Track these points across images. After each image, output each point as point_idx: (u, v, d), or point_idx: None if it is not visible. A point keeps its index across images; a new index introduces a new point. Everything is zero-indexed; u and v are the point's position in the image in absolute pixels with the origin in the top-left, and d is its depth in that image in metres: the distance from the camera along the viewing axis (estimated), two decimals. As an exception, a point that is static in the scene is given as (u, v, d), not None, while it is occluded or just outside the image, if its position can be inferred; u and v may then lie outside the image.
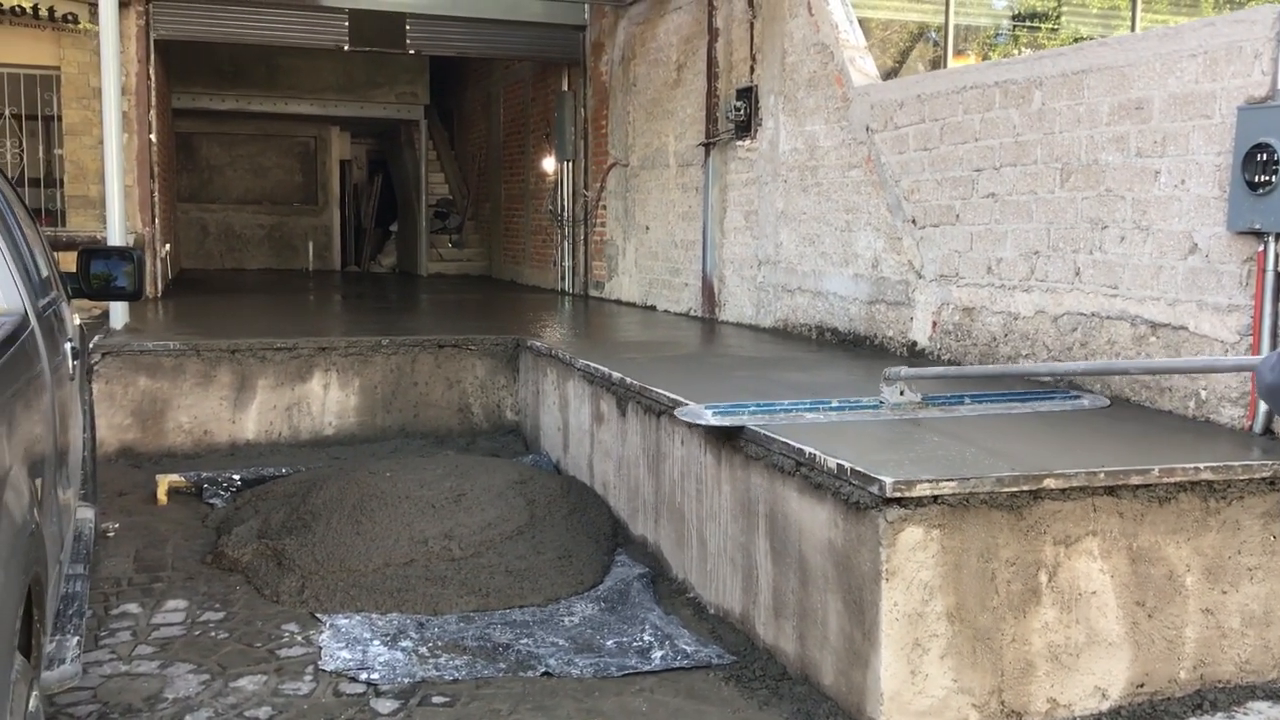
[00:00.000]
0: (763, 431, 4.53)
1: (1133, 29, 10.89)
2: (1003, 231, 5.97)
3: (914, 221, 6.71)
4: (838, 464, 3.95)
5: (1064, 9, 13.39)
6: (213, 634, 4.73)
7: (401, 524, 5.60)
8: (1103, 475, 3.89)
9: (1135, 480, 3.92)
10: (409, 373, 8.16)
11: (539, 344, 7.82)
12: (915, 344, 6.73)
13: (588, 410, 6.73)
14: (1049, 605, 3.87)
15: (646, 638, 4.67)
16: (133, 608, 5.02)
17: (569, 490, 6.35)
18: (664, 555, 5.55)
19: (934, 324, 6.55)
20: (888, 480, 3.68)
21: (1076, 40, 10.85)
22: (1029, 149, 5.77)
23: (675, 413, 5.20)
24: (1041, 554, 3.86)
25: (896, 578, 3.72)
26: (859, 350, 7.23)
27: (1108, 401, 5.27)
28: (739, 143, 8.83)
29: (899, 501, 3.71)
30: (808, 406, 5.05)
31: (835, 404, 5.09)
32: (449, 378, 8.25)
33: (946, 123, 6.40)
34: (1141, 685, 3.98)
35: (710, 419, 4.91)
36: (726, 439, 4.79)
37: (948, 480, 3.75)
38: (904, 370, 5.16)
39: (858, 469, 3.84)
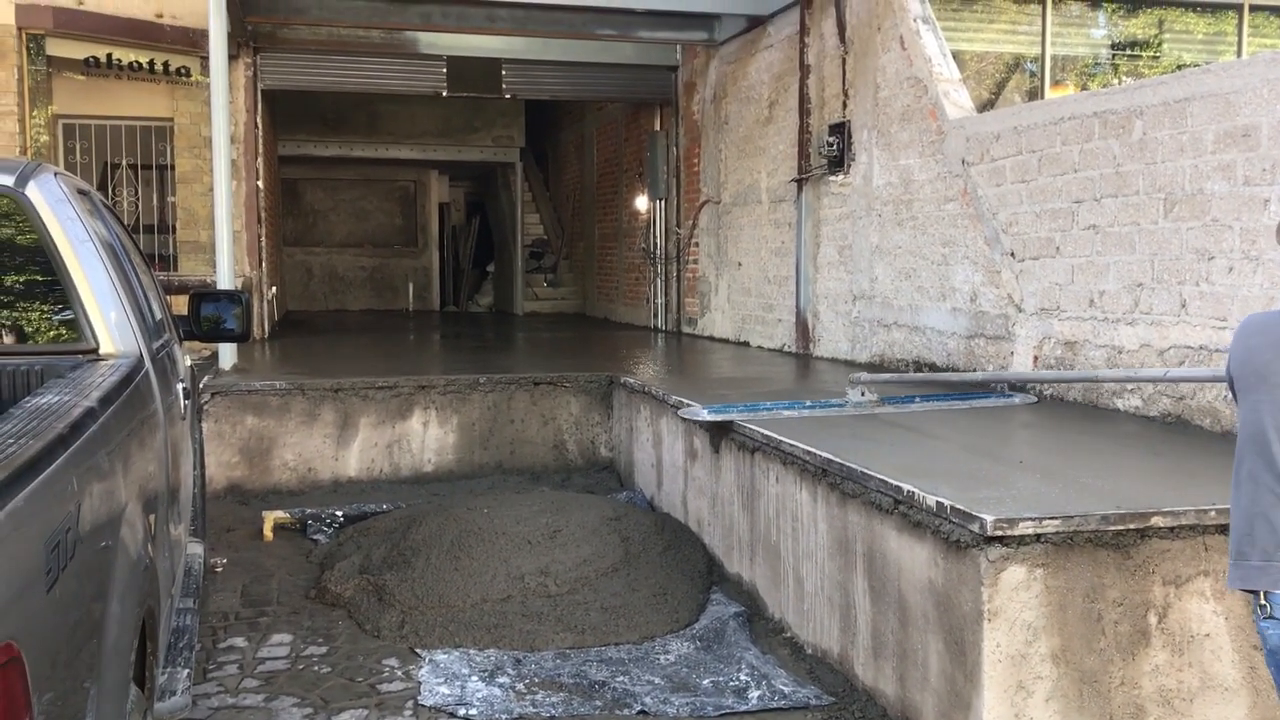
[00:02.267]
0: (745, 424, 5.64)
1: (1239, 54, 10.61)
2: (1105, 264, 5.84)
3: (1013, 254, 6.61)
4: (937, 501, 3.89)
5: (1166, 35, 13.10)
6: (316, 668, 4.82)
7: (498, 560, 5.65)
8: (1213, 513, 3.76)
9: (1250, 519, 3.77)
10: (505, 410, 8.27)
11: (632, 381, 7.86)
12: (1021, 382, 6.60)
13: (681, 447, 6.73)
14: (1159, 648, 3.74)
15: (743, 677, 4.64)
16: (239, 641, 5.15)
17: (663, 527, 6.35)
18: (759, 594, 5.51)
19: (1035, 358, 6.43)
20: (989, 519, 3.61)
21: (1179, 68, 10.61)
22: (1130, 179, 5.65)
23: (678, 413, 6.34)
24: (1150, 594, 3.74)
25: (999, 618, 3.64)
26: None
27: (1035, 399, 6.34)
28: (832, 178, 8.81)
29: (1000, 540, 3.64)
30: (786, 406, 6.06)
31: (808, 404, 6.18)
32: (544, 415, 8.34)
33: (1044, 154, 6.30)
34: (1261, 733, 3.81)
35: (706, 415, 6.03)
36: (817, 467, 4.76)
37: (1051, 519, 3.66)
38: (864, 375, 6.39)
39: (958, 507, 3.77)
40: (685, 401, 6.16)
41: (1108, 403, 5.86)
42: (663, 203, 13.00)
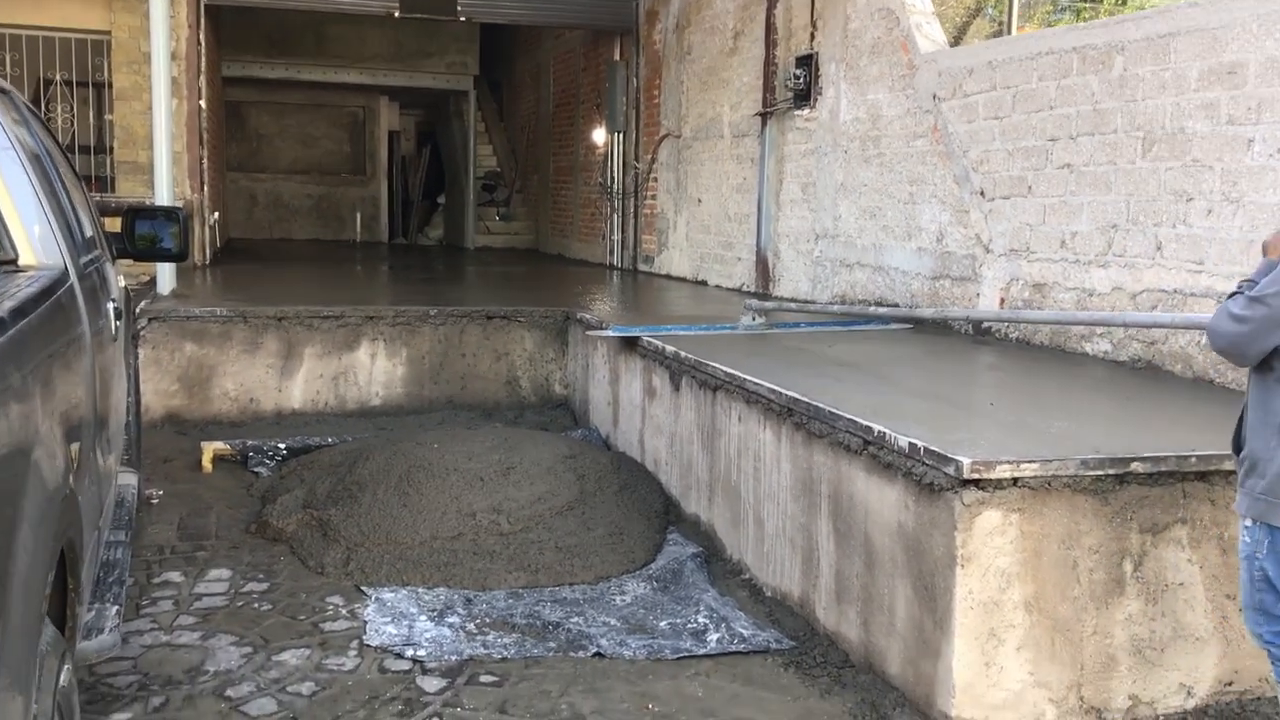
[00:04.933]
0: (647, 338, 6.33)
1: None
2: (1078, 204, 5.70)
3: (982, 193, 6.45)
4: (909, 443, 3.74)
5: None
6: (256, 605, 4.62)
7: (449, 497, 5.45)
8: (1194, 460, 3.65)
9: (1230, 465, 3.66)
10: (457, 344, 8.02)
11: (589, 317, 7.65)
12: (981, 321, 6.48)
13: (639, 385, 6.55)
14: (1133, 596, 3.64)
15: (701, 619, 4.50)
16: (175, 576, 4.92)
17: (619, 466, 6.18)
18: (718, 535, 5.37)
19: (1002, 300, 6.30)
20: (965, 460, 3.47)
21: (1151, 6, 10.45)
22: (1108, 117, 5.49)
23: (588, 333, 7.28)
24: (1127, 542, 3.64)
25: (972, 564, 3.51)
26: (921, 327, 6.98)
27: (910, 325, 6.91)
28: (798, 112, 8.58)
29: (976, 483, 3.50)
30: (683, 328, 6.70)
31: (704, 326, 6.84)
32: (497, 350, 8.10)
33: (1019, 90, 6.12)
34: (1230, 683, 3.74)
35: (612, 332, 6.74)
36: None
37: (1029, 462, 3.52)
38: (754, 302, 7.10)
39: (932, 448, 3.62)
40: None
41: (1076, 346, 5.75)
42: (621, 136, 12.69)
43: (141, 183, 10.60)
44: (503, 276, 12.45)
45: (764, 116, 9.06)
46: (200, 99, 11.34)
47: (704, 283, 10.49)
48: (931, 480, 3.62)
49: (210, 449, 6.69)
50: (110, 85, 10.98)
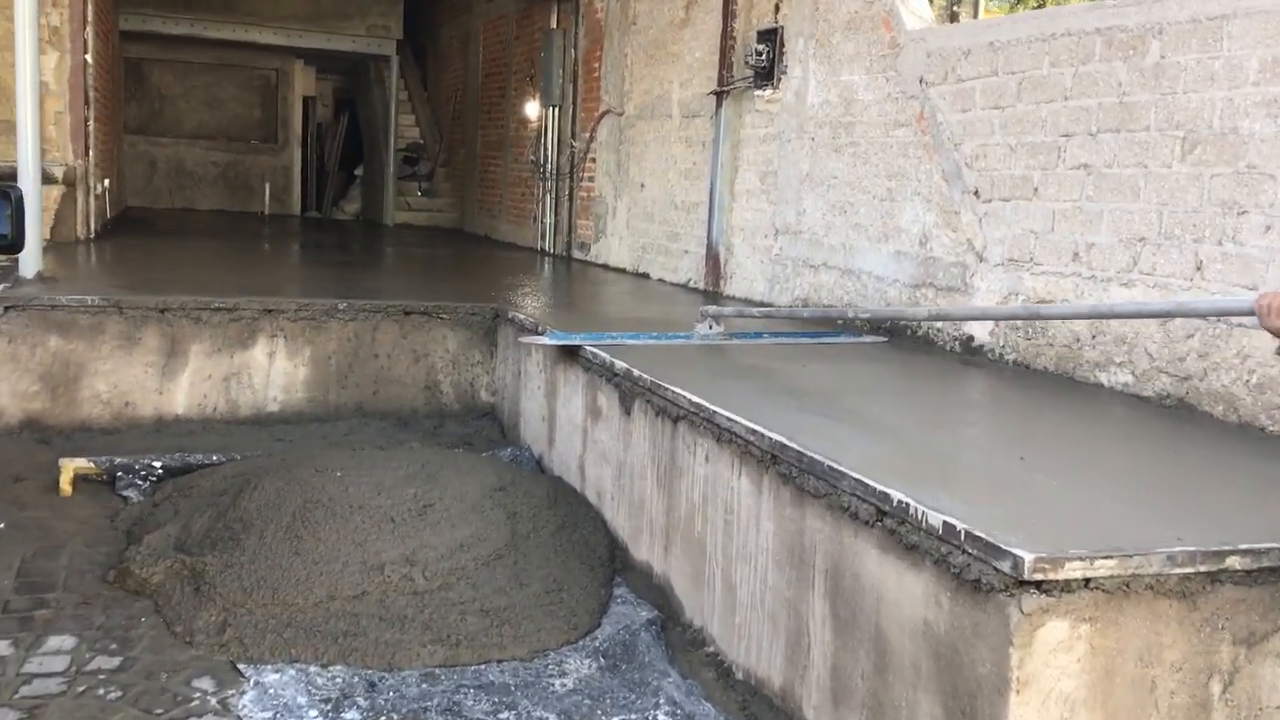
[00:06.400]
0: (590, 348, 5.48)
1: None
2: (1097, 211, 4.93)
3: (977, 193, 5.66)
4: (944, 522, 2.92)
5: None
6: (101, 691, 3.66)
7: (352, 543, 4.52)
8: (1301, 553, 2.88)
9: (1348, 561, 2.91)
10: (369, 343, 7.04)
11: (523, 317, 6.72)
12: (971, 339, 5.71)
13: (581, 401, 5.66)
14: (1224, 726, 2.87)
15: (662, 717, 3.65)
16: (2, 647, 3.93)
17: (557, 499, 5.30)
18: (675, 592, 4.53)
19: (997, 317, 5.53)
20: (1026, 557, 2.65)
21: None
22: (1139, 112, 4.72)
23: (521, 339, 6.35)
24: (1216, 656, 2.86)
25: (1030, 689, 2.70)
26: (899, 341, 6.19)
27: (885, 339, 6.18)
28: (758, 92, 7.72)
29: (1039, 585, 2.69)
30: (631, 336, 5.86)
31: (654, 334, 5.95)
32: (416, 350, 7.14)
33: (1027, 77, 5.33)
34: (1332, 830, 3.00)
35: (548, 340, 5.86)
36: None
37: (1105, 558, 2.72)
38: (712, 308, 6.21)
39: (976, 534, 2.80)
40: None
41: (1088, 375, 4.99)
42: (557, 111, 11.71)
43: (13, 145, 9.37)
44: (424, 260, 11.42)
45: (719, 96, 8.19)
46: (86, 52, 10.10)
47: (646, 275, 9.61)
48: (978, 576, 2.80)
49: (70, 467, 5.65)
50: (-20, 33, 9.72)
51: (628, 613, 4.44)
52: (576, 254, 11.32)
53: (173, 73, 17.58)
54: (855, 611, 3.31)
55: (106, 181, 11.55)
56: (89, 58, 10.16)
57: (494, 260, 11.45)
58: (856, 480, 3.30)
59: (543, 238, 12.11)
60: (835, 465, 3.42)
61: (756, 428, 3.89)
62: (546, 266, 10.75)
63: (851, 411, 4.28)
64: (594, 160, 10.86)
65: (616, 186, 10.30)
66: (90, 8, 10.14)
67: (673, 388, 4.58)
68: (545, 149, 11.95)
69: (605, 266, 10.46)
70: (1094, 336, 4.96)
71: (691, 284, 8.74)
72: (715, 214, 8.27)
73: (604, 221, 10.62)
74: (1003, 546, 2.72)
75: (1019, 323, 5.37)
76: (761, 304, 7.62)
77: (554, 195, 11.87)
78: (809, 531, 3.56)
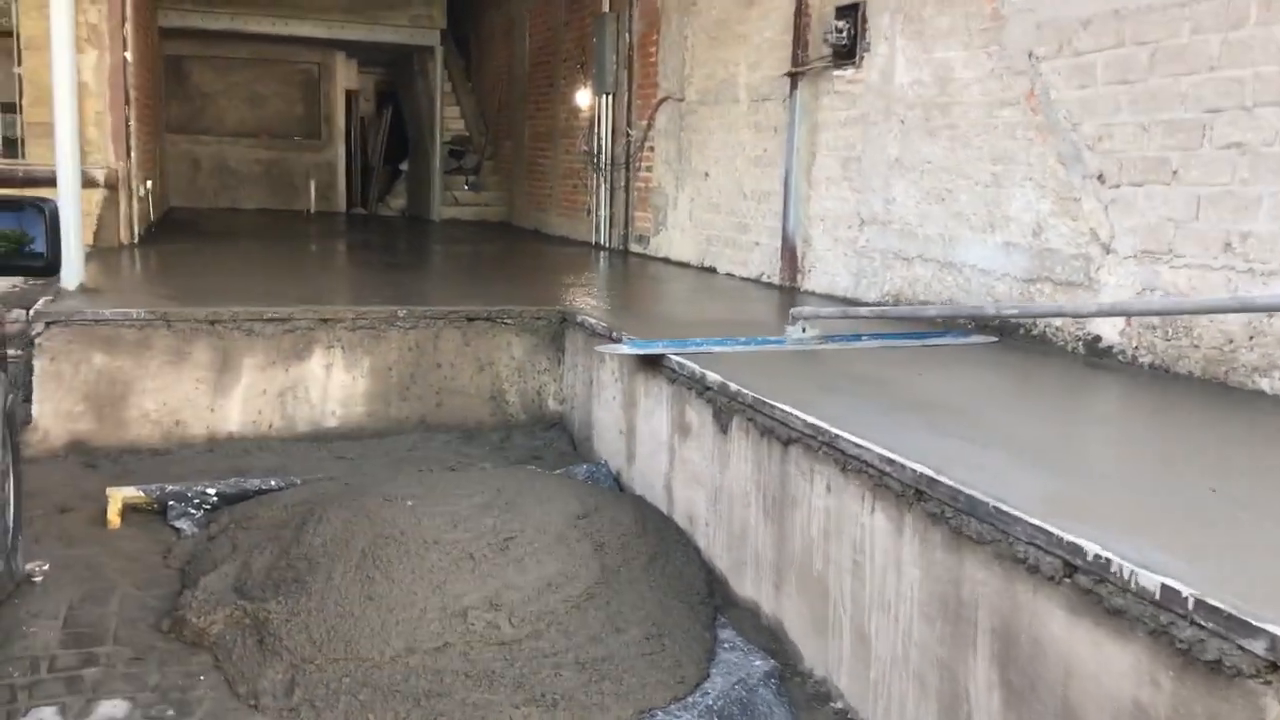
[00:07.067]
0: (675, 358, 4.99)
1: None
2: (1254, 196, 4.37)
3: (1100, 178, 5.10)
4: (1163, 585, 2.40)
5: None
6: (159, 769, 3.22)
7: (429, 584, 4.07)
8: None
9: None
10: (431, 352, 6.60)
11: (594, 322, 6.24)
12: (1099, 339, 5.16)
13: (665, 416, 5.18)
14: None
15: (798, 796, 3.16)
16: (48, 713, 3.51)
17: (645, 524, 4.82)
18: (788, 636, 4.04)
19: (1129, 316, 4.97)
20: (1286, 636, 2.14)
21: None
22: (1306, 82, 4.15)
23: (597, 349, 5.80)
24: None
25: (1290, 800, 2.19)
26: (1011, 340, 5.65)
27: (995, 339, 5.63)
28: (838, 73, 7.18)
29: (1301, 671, 2.17)
30: (717, 342, 5.35)
31: (743, 340, 5.43)
32: (480, 358, 6.69)
33: (1161, 46, 4.77)
34: None
35: (627, 349, 5.38)
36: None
37: (1380, 634, 2.20)
38: (806, 310, 5.69)
39: (1214, 604, 2.29)
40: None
41: (1243, 381, 4.44)
42: (610, 98, 11.21)
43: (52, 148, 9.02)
44: (476, 258, 10.98)
45: (793, 77, 7.65)
46: (126, 50, 9.73)
47: (712, 270, 9.10)
48: (1218, 657, 2.28)
49: (119, 497, 5.24)
50: (17, 33, 9.37)
51: (739, 661, 3.95)
52: (635, 247, 10.82)
53: (213, 69, 17.24)
54: (1033, 681, 2.81)
55: (149, 183, 11.20)
56: (128, 55, 9.79)
57: (549, 256, 10.98)
58: (1035, 527, 2.79)
59: (597, 231, 11.63)
60: (1003, 507, 2.91)
61: (894, 457, 3.39)
62: (604, 262, 10.27)
63: (995, 431, 3.76)
64: (652, 149, 10.36)
65: (678, 176, 9.79)
66: (129, 4, 9.77)
67: (781, 405, 4.09)
68: (599, 139, 11.46)
69: (666, 260, 9.96)
70: (1251, 337, 4.40)
71: (765, 278, 8.22)
72: (791, 203, 7.74)
73: (664, 213, 10.11)
74: (1254, 623, 2.20)
75: (1156, 322, 4.82)
76: (845, 299, 7.10)
77: (609, 187, 11.38)
78: (968, 583, 3.06)
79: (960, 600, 3.09)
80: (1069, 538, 2.69)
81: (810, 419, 3.87)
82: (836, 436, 3.69)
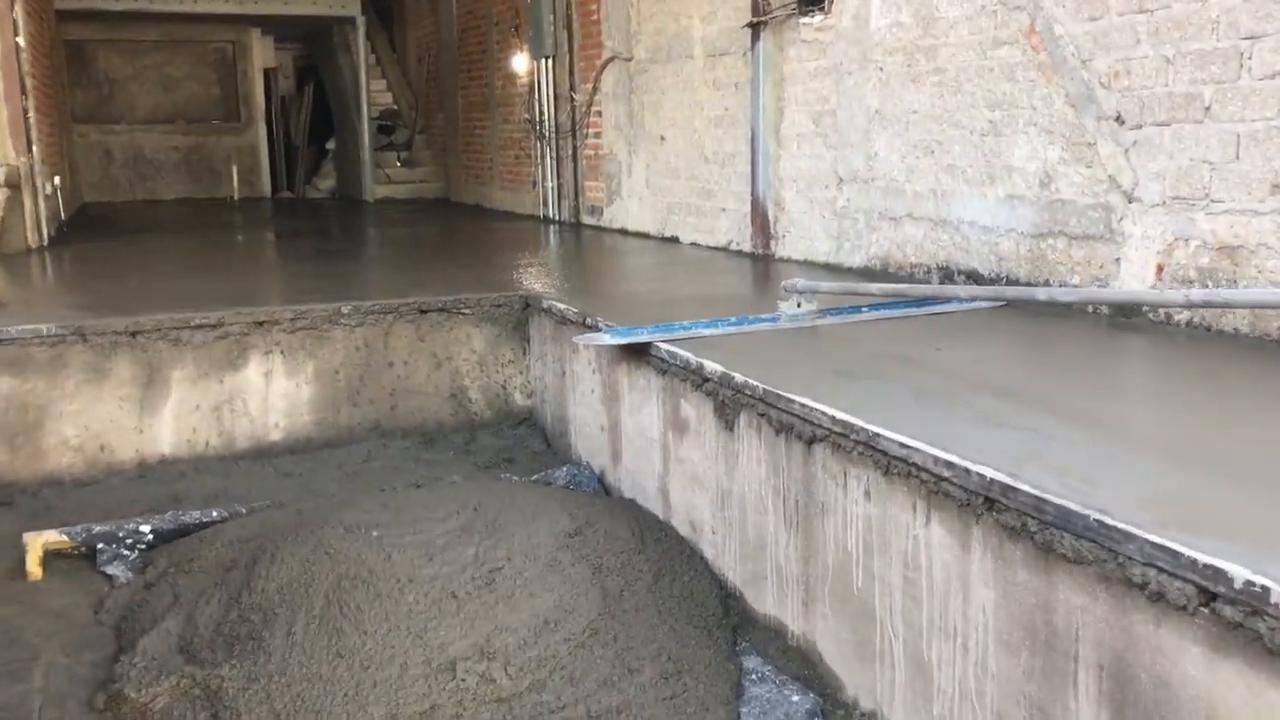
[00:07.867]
0: (665, 346, 4.47)
1: None
2: (1305, 130, 3.91)
3: (1119, 119, 4.62)
4: (1350, 623, 1.92)
5: None
6: None
7: (408, 632, 3.51)
8: None
9: None
10: (381, 350, 5.98)
11: (563, 307, 5.67)
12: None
13: (656, 411, 4.64)
14: None
15: None
16: (-38, 834, 2.91)
17: (643, 535, 4.29)
18: (824, 660, 3.54)
19: (1160, 268, 4.52)
20: None
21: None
22: (1364, -2, 3.68)
23: (575, 340, 5.11)
24: None
25: None
26: (1020, 303, 5.17)
27: (1003, 303, 5.08)
28: (804, 20, 6.63)
29: None
30: (706, 325, 4.84)
31: (734, 320, 4.93)
32: (436, 354, 6.09)
33: (1184, -32, 4.28)
34: None
35: (609, 339, 4.81)
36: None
37: None
38: (799, 282, 5.03)
39: None
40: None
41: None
42: (550, 62, 10.56)
43: (-57, 147, 8.22)
44: (419, 240, 10.30)
45: (755, 28, 7.09)
46: (17, 35, 8.89)
47: (675, 240, 8.55)
48: None
49: (38, 543, 4.59)
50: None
51: (772, 697, 3.44)
52: (587, 219, 10.23)
53: (120, 53, 16.22)
54: (1161, 729, 2.33)
55: (57, 179, 10.36)
56: (21, 40, 8.96)
57: (497, 233, 10.34)
58: (1156, 546, 2.30)
59: (545, 204, 11.01)
60: (1107, 520, 2.42)
61: (951, 458, 2.88)
62: (557, 236, 9.67)
63: (1057, 415, 3.27)
64: (600, 114, 9.75)
65: (630, 142, 9.20)
66: (18, -15, 8.92)
67: (800, 399, 3.56)
68: (540, 106, 10.82)
69: (624, 232, 9.38)
70: (1307, 287, 3.96)
71: (734, 246, 7.69)
72: (759, 165, 7.20)
73: (618, 182, 9.52)
74: None
75: (1193, 275, 4.36)
76: (825, 265, 6.59)
77: (555, 156, 10.76)
78: (1063, 609, 2.56)
79: (1053, 628, 2.60)
80: (1203, 559, 2.20)
81: (839, 414, 3.35)
82: (876, 435, 3.18)
